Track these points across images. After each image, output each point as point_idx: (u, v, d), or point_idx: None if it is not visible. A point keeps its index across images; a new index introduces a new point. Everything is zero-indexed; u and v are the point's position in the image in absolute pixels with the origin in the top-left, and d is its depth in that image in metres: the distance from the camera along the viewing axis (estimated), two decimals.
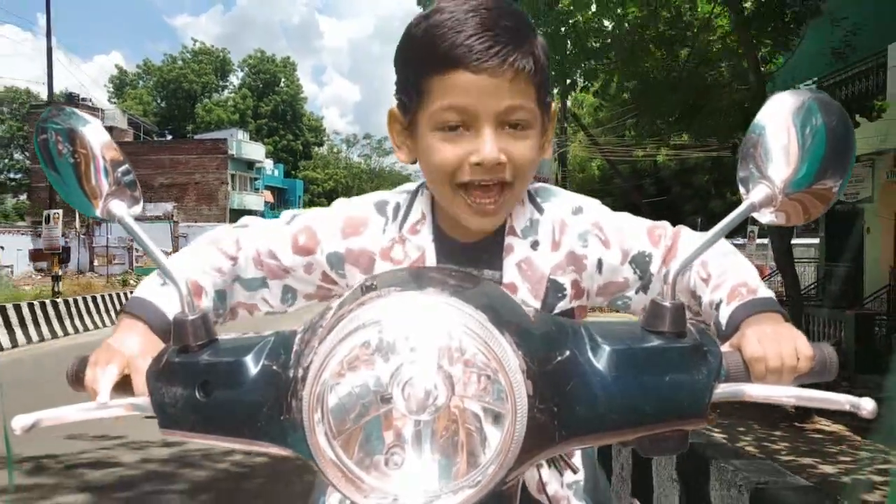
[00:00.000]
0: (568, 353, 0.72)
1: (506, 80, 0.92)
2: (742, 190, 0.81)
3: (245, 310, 1.09)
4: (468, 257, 1.05)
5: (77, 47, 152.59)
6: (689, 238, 1.05)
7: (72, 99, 39.26)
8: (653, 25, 9.04)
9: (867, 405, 0.71)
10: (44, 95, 58.36)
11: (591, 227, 1.06)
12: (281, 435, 0.70)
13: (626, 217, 1.10)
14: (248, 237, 1.07)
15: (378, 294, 0.68)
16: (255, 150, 44.30)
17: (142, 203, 0.88)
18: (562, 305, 1.05)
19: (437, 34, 0.93)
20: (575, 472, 1.06)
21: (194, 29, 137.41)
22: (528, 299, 1.03)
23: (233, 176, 39.46)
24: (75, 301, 14.47)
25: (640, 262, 1.05)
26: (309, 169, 57.84)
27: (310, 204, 50.72)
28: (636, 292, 1.07)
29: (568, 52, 8.73)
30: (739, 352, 0.81)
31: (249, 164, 42.77)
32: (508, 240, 1.05)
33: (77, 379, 0.86)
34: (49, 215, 16.59)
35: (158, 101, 59.55)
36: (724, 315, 0.91)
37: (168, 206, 35.84)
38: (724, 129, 9.16)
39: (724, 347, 0.81)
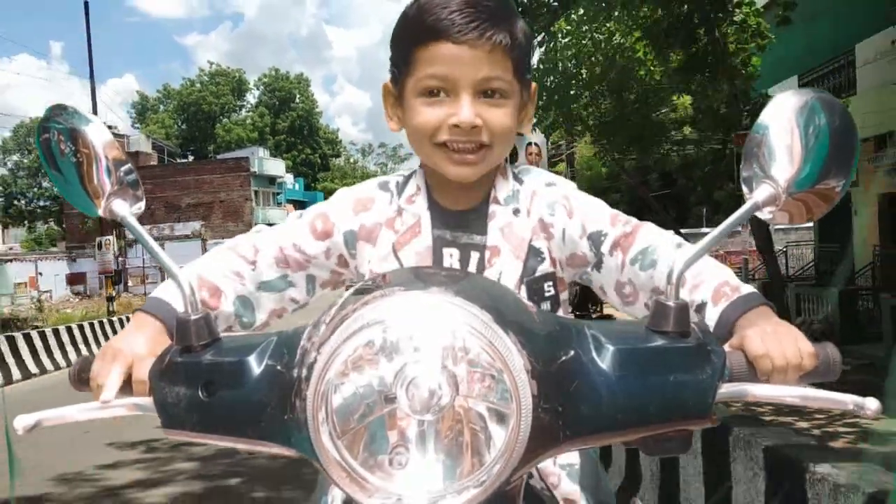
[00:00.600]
0: (572, 352, 0.72)
1: (484, 52, 1.00)
2: (745, 189, 0.81)
3: (276, 316, 1.13)
4: (458, 223, 1.13)
5: (87, 72, 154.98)
6: (649, 230, 1.07)
7: None
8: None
9: (871, 405, 0.71)
10: None
11: (560, 197, 1.13)
12: (285, 435, 0.70)
13: (595, 200, 1.16)
14: (265, 240, 1.12)
15: (382, 293, 0.67)
16: (276, 166, 45.73)
17: (144, 202, 0.88)
18: (542, 268, 1.11)
19: (425, 10, 1.02)
20: (582, 467, 1.10)
21: (204, 47, 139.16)
22: (511, 260, 1.09)
23: (256, 192, 40.66)
24: (129, 318, 15.81)
25: (595, 240, 1.09)
26: (328, 180, 59.07)
27: None
28: (591, 269, 1.11)
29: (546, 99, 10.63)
30: (742, 351, 0.81)
31: (271, 180, 44.10)
32: (492, 207, 1.13)
33: (80, 378, 0.86)
34: (101, 242, 18.13)
35: (179, 123, 61.42)
36: (711, 316, 0.91)
37: (196, 225, 37.52)
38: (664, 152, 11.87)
39: (727, 348, 0.81)
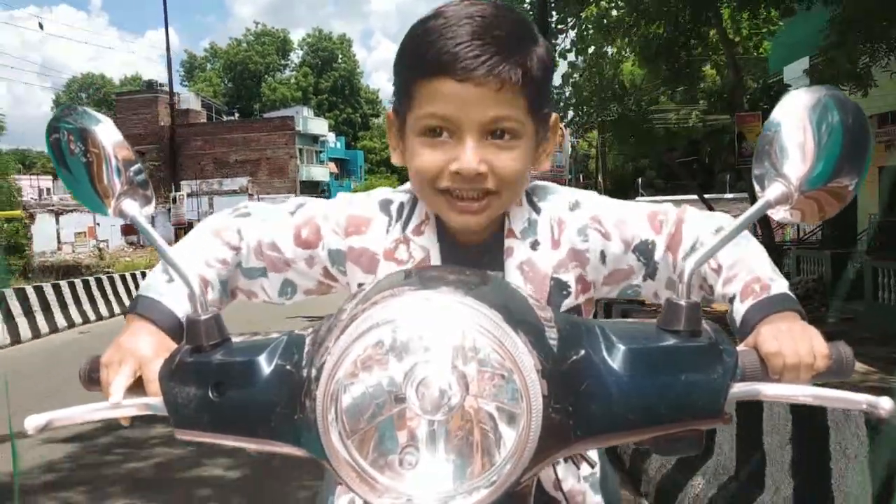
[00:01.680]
0: (583, 352, 0.72)
1: (491, 90, 0.91)
2: (757, 188, 0.80)
3: (243, 294, 1.09)
4: (470, 259, 1.04)
5: (128, 24, 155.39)
6: (693, 222, 1.03)
7: (151, 86, 42.79)
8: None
9: (885, 405, 0.71)
10: (116, 81, 62.35)
11: (590, 221, 1.05)
12: (294, 435, 0.70)
13: (625, 206, 1.09)
14: (250, 227, 1.06)
15: (392, 293, 0.67)
16: (319, 125, 47.08)
17: (154, 202, 0.88)
18: (567, 303, 1.05)
19: (428, 40, 0.93)
20: (592, 465, 1.06)
21: (241, 1, 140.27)
22: None
23: (300, 150, 41.90)
24: None
25: (643, 251, 1.04)
26: (367, 139, 60.53)
27: (370, 172, 53.65)
28: (643, 279, 1.06)
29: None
30: (756, 350, 0.81)
31: (314, 139, 45.37)
32: (508, 242, 1.05)
33: (90, 379, 0.86)
34: (175, 196, 20.10)
35: (226, 82, 63.71)
36: (738, 312, 0.90)
37: (243, 181, 39.29)
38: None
39: (740, 346, 0.81)
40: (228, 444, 0.77)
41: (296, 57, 66.06)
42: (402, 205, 1.09)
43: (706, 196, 14.02)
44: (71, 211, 33.63)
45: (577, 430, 0.69)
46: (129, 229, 37.68)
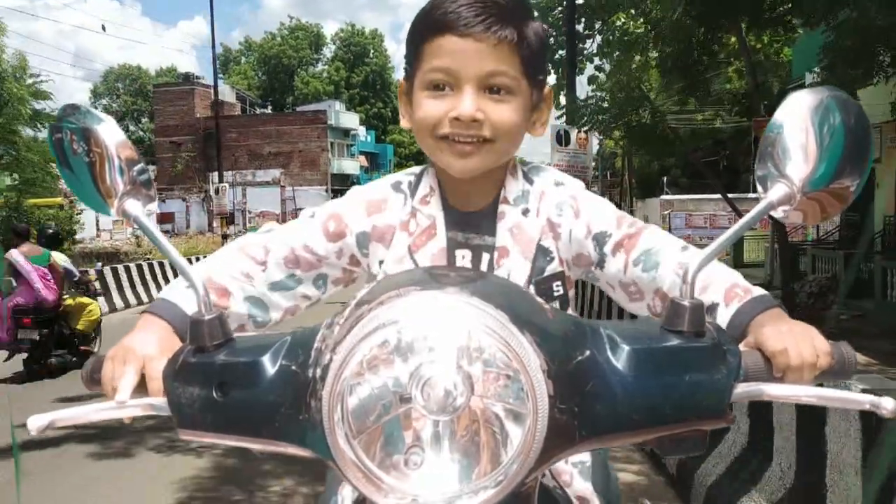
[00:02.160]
0: (588, 352, 0.72)
1: (489, 46, 1.00)
2: (760, 188, 0.81)
3: (290, 314, 1.14)
4: (469, 224, 1.13)
5: (160, 15, 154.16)
6: (655, 234, 1.07)
7: (188, 78, 44.00)
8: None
9: (888, 405, 0.71)
10: (152, 72, 63.58)
11: (568, 197, 1.13)
12: (300, 435, 0.70)
13: (603, 201, 1.16)
14: (276, 240, 1.12)
15: (397, 293, 0.67)
16: (351, 119, 48.12)
17: (156, 202, 0.88)
18: (551, 268, 1.11)
19: (434, 6, 1.03)
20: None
21: None
22: (520, 260, 1.10)
23: (332, 143, 43.13)
24: None
25: (599, 240, 1.10)
26: (397, 133, 61.32)
27: (399, 166, 54.11)
28: (595, 268, 1.12)
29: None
30: (759, 350, 0.81)
31: (346, 132, 46.48)
32: (502, 207, 1.13)
33: (93, 379, 0.86)
34: (218, 188, 21.15)
35: (260, 75, 65.03)
36: (723, 317, 0.91)
37: (276, 172, 40.39)
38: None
39: (742, 346, 0.82)
40: (232, 444, 0.77)
41: (328, 51, 67.41)
42: (410, 182, 1.18)
43: (730, 196, 14.48)
44: None
45: (583, 430, 0.69)
46: (163, 218, 38.85)
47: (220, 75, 62.56)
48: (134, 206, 0.85)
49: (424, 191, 1.16)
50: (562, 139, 12.98)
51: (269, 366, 0.75)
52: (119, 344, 0.88)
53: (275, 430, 0.73)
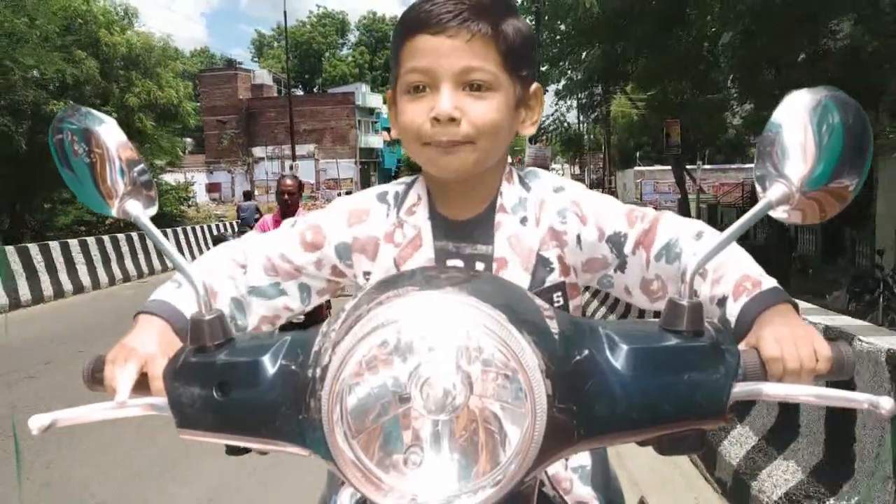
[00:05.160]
0: (586, 352, 0.72)
1: (463, 41, 0.98)
2: (758, 188, 0.81)
3: (268, 323, 1.12)
4: (462, 233, 1.09)
5: None
6: (669, 223, 1.05)
7: (231, 64, 50.14)
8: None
9: (886, 404, 0.71)
10: (187, 52, 69.31)
11: (570, 204, 1.10)
12: (299, 435, 0.71)
13: (605, 198, 1.14)
14: (254, 247, 1.11)
15: (396, 293, 0.67)
16: (375, 100, 53.20)
17: (157, 203, 0.87)
18: (552, 279, 1.08)
19: (410, 8, 1.02)
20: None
21: None
22: (519, 272, 1.07)
23: (359, 121, 48.50)
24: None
25: (615, 242, 1.07)
26: None
27: None
28: (615, 271, 1.09)
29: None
30: (757, 351, 0.81)
31: (371, 111, 51.59)
32: (499, 216, 1.09)
33: (94, 378, 0.86)
34: (291, 165, 27.49)
35: (292, 58, 70.38)
36: (731, 312, 0.91)
37: (310, 147, 46.24)
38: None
39: (741, 346, 0.81)
40: (233, 443, 0.77)
41: (353, 37, 73.16)
42: (397, 193, 1.15)
43: (688, 167, 19.30)
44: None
45: (581, 430, 0.70)
46: (212, 187, 45.19)
47: (255, 59, 68.76)
48: (134, 206, 0.85)
49: (412, 200, 1.13)
50: (534, 138, 16.09)
51: (270, 366, 0.75)
52: (120, 343, 0.88)
53: (275, 429, 0.73)
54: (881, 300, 8.68)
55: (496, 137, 1.04)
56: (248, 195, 19.49)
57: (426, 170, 1.10)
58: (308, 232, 1.13)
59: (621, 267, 1.09)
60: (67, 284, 11.83)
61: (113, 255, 13.44)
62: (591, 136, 34.43)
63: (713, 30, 12.72)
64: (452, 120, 0.99)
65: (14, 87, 13.32)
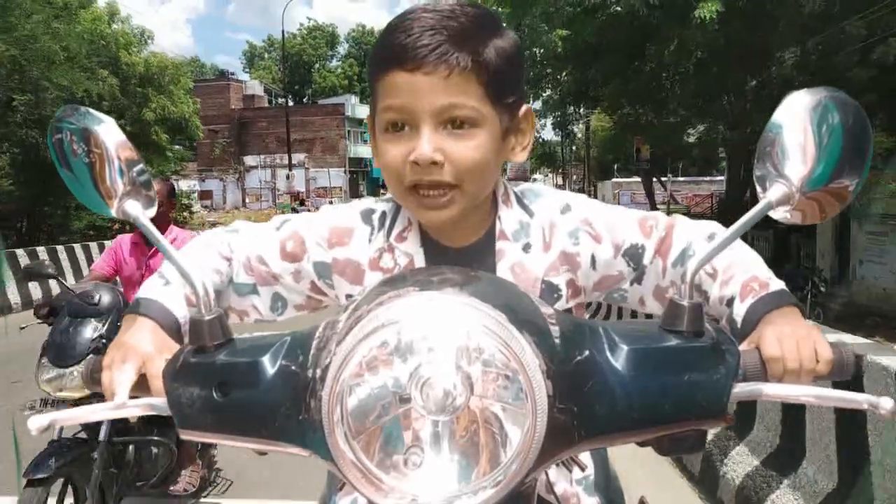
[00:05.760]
0: (587, 352, 0.72)
1: (441, 78, 0.92)
2: (759, 188, 0.81)
3: (235, 315, 1.09)
4: (459, 261, 1.03)
5: None
6: (683, 228, 1.04)
7: (223, 74, 51.55)
8: None
9: (886, 404, 0.71)
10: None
11: (581, 223, 1.06)
12: (299, 435, 0.70)
13: (616, 210, 1.10)
14: (238, 242, 1.08)
15: (397, 294, 0.67)
16: (364, 111, 54.99)
17: (156, 203, 0.87)
18: (558, 306, 1.05)
19: (384, 37, 0.96)
20: (583, 469, 1.04)
21: None
22: None
23: (349, 132, 49.46)
24: None
25: (633, 255, 1.05)
26: None
27: None
28: (630, 284, 1.07)
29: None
30: (758, 350, 0.81)
31: (360, 122, 52.10)
32: (500, 244, 1.05)
33: (93, 379, 0.86)
34: (289, 174, 29.10)
35: (282, 69, 71.89)
36: (738, 312, 0.91)
37: (301, 156, 47.36)
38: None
39: (742, 346, 0.82)
40: (232, 444, 0.77)
41: (342, 49, 74.96)
42: (383, 214, 1.09)
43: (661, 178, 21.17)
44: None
45: (582, 430, 0.70)
46: (204, 195, 46.28)
47: (247, 70, 70.34)
48: (133, 206, 0.84)
49: (402, 225, 1.08)
50: None
51: (269, 366, 0.75)
52: (115, 342, 0.87)
53: (275, 430, 0.73)
54: (808, 297, 10.16)
55: (481, 178, 0.98)
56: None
57: (408, 210, 1.05)
58: (289, 241, 1.08)
59: (638, 279, 1.07)
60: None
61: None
62: (569, 150, 36.20)
63: (669, 63, 14.26)
64: (434, 163, 0.94)
65: (45, 104, 14.35)
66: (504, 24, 1.02)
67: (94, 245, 13.88)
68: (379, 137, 1.00)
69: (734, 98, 14.35)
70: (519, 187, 1.12)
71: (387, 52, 0.95)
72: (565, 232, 1.07)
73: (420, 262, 1.06)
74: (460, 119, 0.95)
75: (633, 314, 5.61)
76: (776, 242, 16.33)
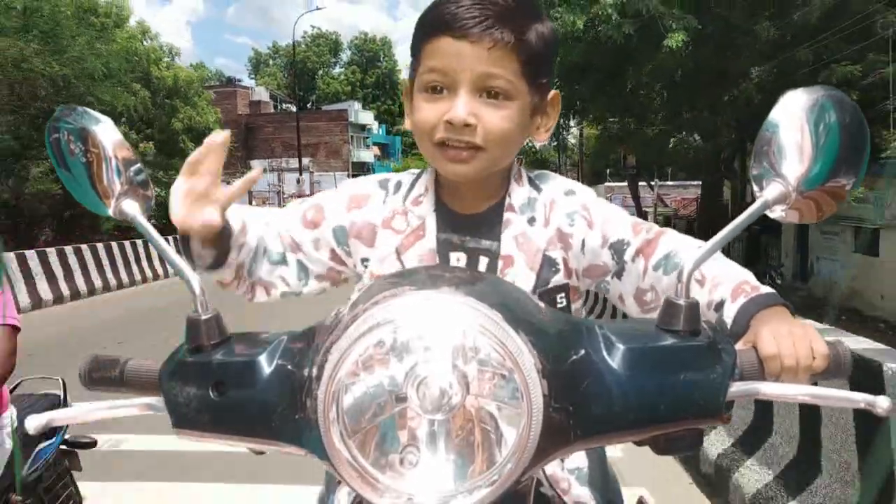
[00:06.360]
0: (583, 351, 0.72)
1: (484, 48, 0.98)
2: (755, 188, 0.81)
3: (263, 290, 1.14)
4: (467, 227, 1.11)
5: None
6: (671, 237, 1.06)
7: (230, 81, 53.24)
8: None
9: (883, 403, 0.71)
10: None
11: (580, 207, 1.11)
12: (296, 434, 0.70)
13: (616, 208, 1.15)
14: (272, 218, 1.16)
15: (393, 293, 0.67)
16: (366, 117, 57.61)
17: (153, 202, 0.87)
18: (556, 279, 1.09)
19: (435, 5, 1.03)
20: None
21: None
22: (524, 271, 1.08)
23: (352, 137, 51.92)
24: None
25: (617, 248, 1.07)
26: (404, 125, 69.92)
27: (405, 154, 63.67)
28: (612, 277, 1.09)
29: None
30: (754, 349, 0.81)
31: (362, 127, 55.49)
32: (507, 215, 1.11)
33: (91, 378, 0.85)
34: (299, 178, 30.65)
35: (286, 76, 73.76)
36: (729, 313, 0.92)
37: (306, 161, 48.82)
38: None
39: (738, 345, 0.81)
40: (229, 443, 0.77)
41: (345, 56, 76.92)
42: (399, 182, 1.17)
43: (640, 183, 22.88)
44: None
45: (578, 430, 0.69)
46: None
47: (252, 76, 72.04)
48: (131, 206, 0.85)
49: (419, 191, 1.15)
50: None
51: (266, 365, 0.74)
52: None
53: (271, 429, 0.73)
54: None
55: (506, 146, 1.05)
56: None
57: (434, 166, 1.11)
58: (310, 211, 1.16)
59: (619, 274, 1.09)
60: (83, 286, 12.74)
61: (120, 261, 14.40)
62: (564, 157, 37.86)
63: (646, 82, 16.26)
64: (467, 125, 1.00)
65: None
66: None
67: (100, 246, 14.31)
68: (417, 97, 1.06)
69: (707, 113, 16.06)
70: (534, 172, 1.18)
71: (437, 18, 1.01)
72: (564, 212, 1.11)
73: (431, 224, 1.11)
74: (496, 89, 1.01)
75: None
76: (748, 242, 18.09)
